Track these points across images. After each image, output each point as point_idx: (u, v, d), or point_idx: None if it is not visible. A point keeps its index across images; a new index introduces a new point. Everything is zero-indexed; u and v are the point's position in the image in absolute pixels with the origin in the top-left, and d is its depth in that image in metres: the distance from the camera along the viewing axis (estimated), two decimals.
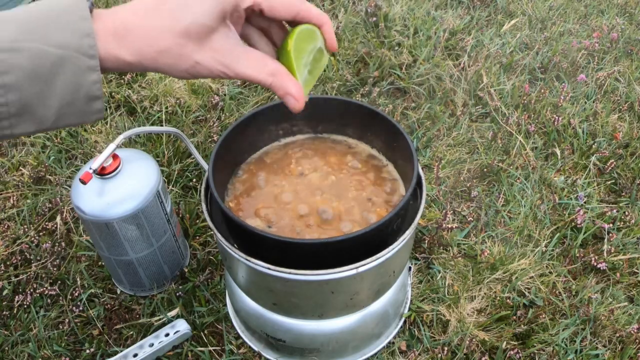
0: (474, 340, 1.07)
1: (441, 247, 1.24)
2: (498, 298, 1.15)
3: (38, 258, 1.23)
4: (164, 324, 1.10)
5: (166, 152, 1.41)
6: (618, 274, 1.19)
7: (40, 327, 1.11)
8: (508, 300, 1.14)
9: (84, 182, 0.92)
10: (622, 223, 1.29)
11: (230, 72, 0.52)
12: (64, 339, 1.10)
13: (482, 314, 1.13)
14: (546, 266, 1.21)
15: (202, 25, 0.49)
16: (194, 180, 1.37)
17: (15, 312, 1.15)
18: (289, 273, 0.78)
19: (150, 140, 1.46)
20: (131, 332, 1.10)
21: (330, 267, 0.78)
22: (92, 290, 1.17)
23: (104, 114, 0.48)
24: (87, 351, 1.07)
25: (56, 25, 0.45)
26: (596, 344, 1.09)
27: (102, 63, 0.49)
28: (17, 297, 1.16)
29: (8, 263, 1.23)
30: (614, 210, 1.31)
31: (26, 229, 1.29)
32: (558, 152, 1.45)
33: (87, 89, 0.47)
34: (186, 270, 1.18)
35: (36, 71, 0.44)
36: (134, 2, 0.51)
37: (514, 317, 1.12)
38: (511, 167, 1.41)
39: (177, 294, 1.15)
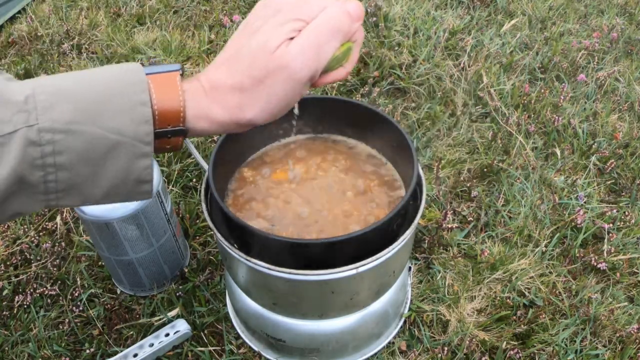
0: (474, 340, 1.07)
1: (441, 247, 1.24)
2: (498, 298, 1.15)
3: (38, 258, 1.23)
4: (164, 324, 1.10)
5: (166, 152, 1.41)
6: (618, 274, 1.19)
7: (40, 327, 1.11)
8: (508, 300, 1.14)
9: None
10: (622, 223, 1.29)
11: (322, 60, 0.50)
12: (64, 339, 1.10)
13: (482, 314, 1.13)
14: (546, 266, 1.21)
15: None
16: (194, 180, 1.37)
17: (15, 312, 1.15)
18: (289, 273, 0.78)
19: None
20: (131, 332, 1.10)
21: (330, 267, 0.78)
22: (92, 290, 1.17)
23: (152, 195, 0.50)
24: (87, 351, 1.07)
25: (114, 109, 0.44)
26: (596, 344, 1.09)
27: (191, 124, 0.48)
28: (17, 297, 1.16)
29: (8, 263, 1.23)
30: (614, 210, 1.31)
31: (26, 229, 1.29)
32: (558, 152, 1.45)
33: (138, 174, 0.46)
34: (186, 270, 1.18)
35: (90, 154, 0.43)
36: (216, 61, 0.50)
37: (514, 317, 1.12)
38: (511, 167, 1.41)
39: (177, 294, 1.15)
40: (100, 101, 0.44)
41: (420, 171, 0.87)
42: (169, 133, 0.47)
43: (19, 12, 2.09)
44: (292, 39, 0.49)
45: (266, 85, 0.48)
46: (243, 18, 1.95)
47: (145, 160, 0.46)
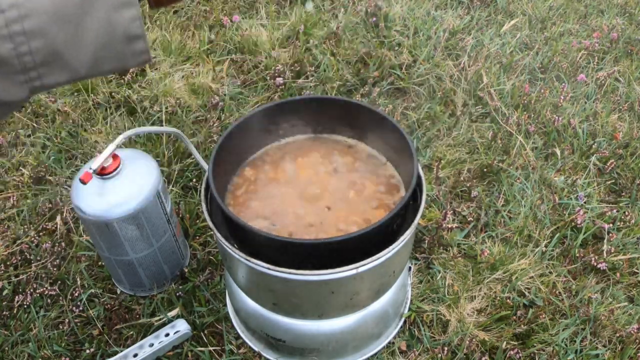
0: (474, 340, 1.07)
1: (441, 247, 1.24)
2: (498, 298, 1.15)
3: (38, 258, 1.23)
4: (164, 324, 1.10)
5: (166, 152, 1.41)
6: (618, 274, 1.19)
7: (40, 327, 1.11)
8: (508, 300, 1.14)
9: (84, 182, 0.92)
10: (622, 223, 1.29)
11: None
12: (64, 339, 1.10)
13: (482, 314, 1.13)
14: (546, 266, 1.21)
15: None
16: (194, 180, 1.37)
17: (15, 312, 1.15)
18: (289, 273, 0.78)
19: (150, 140, 1.46)
20: (131, 332, 1.10)
21: (330, 267, 0.78)
22: (92, 290, 1.17)
23: (150, 56, 0.43)
24: (87, 351, 1.07)
25: None
26: (596, 344, 1.09)
27: None
28: (17, 297, 1.16)
29: (8, 263, 1.23)
30: (614, 210, 1.31)
31: (26, 229, 1.29)
32: (558, 152, 1.45)
33: (125, 28, 0.41)
34: (186, 270, 1.18)
35: (61, 12, 0.38)
36: None
37: (514, 317, 1.12)
38: (511, 167, 1.41)
39: (177, 294, 1.15)
40: None
41: (420, 171, 0.87)
42: None
43: None
44: None
45: None
46: (243, 18, 1.95)
47: (130, 10, 0.41)
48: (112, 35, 0.41)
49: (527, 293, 1.16)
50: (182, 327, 1.07)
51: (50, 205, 1.32)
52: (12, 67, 0.39)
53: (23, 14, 0.37)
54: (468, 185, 1.37)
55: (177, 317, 1.11)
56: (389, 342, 1.08)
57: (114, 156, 0.98)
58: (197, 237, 1.27)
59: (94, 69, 0.42)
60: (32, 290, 1.17)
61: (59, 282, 1.19)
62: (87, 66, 0.41)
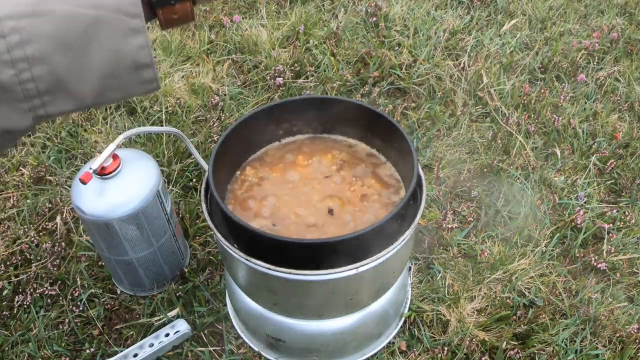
0: (474, 340, 1.07)
1: (441, 247, 1.24)
2: (498, 298, 1.15)
3: (38, 258, 1.23)
4: (164, 324, 1.10)
5: (166, 152, 1.41)
6: (618, 274, 1.19)
7: (40, 327, 1.11)
8: (508, 300, 1.14)
9: (84, 182, 0.92)
10: (622, 223, 1.29)
11: None
12: (64, 339, 1.10)
13: (482, 314, 1.13)
14: (546, 266, 1.21)
15: None
16: (194, 180, 1.37)
17: (15, 312, 1.15)
18: (289, 273, 0.78)
19: (150, 140, 1.46)
20: (131, 332, 1.10)
21: (330, 267, 0.78)
22: (92, 290, 1.17)
23: (159, 84, 0.41)
24: (87, 351, 1.07)
25: None
26: (596, 344, 1.09)
27: None
28: (17, 297, 1.16)
29: (8, 263, 1.23)
30: (614, 210, 1.31)
31: (26, 229, 1.29)
32: (558, 152, 1.45)
33: (133, 56, 0.39)
34: (186, 270, 1.18)
35: (64, 38, 0.36)
36: None
37: (514, 317, 1.12)
38: (511, 167, 1.41)
39: (177, 294, 1.15)
40: None
41: (420, 171, 0.87)
42: None
43: None
44: None
45: None
46: (243, 18, 1.95)
47: (138, 37, 0.38)
48: (119, 63, 0.39)
49: (527, 293, 1.16)
50: (182, 327, 1.07)
51: (50, 205, 1.32)
52: (15, 94, 0.37)
53: (25, 39, 0.36)
54: (468, 185, 1.37)
55: (177, 317, 1.11)
56: (389, 342, 1.08)
57: (114, 156, 0.98)
58: (197, 237, 1.27)
59: (99, 97, 0.40)
60: (32, 290, 1.17)
61: (59, 282, 1.19)
62: (92, 95, 0.39)
